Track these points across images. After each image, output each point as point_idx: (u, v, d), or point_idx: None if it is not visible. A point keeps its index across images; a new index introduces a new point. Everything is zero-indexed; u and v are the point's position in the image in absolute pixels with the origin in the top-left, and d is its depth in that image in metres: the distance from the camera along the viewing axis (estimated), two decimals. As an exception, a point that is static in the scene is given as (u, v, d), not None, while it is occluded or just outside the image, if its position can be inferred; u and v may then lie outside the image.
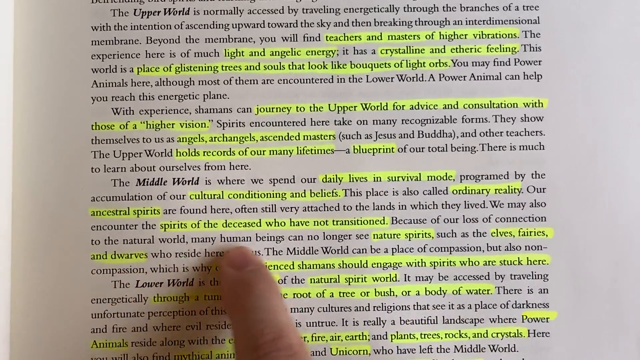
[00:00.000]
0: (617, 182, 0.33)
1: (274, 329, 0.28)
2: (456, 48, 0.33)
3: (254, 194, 0.33)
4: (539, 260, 0.33)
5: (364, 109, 0.33)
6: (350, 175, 0.33)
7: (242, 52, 0.33)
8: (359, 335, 0.32)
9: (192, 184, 0.32)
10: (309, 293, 0.32)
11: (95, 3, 0.33)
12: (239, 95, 0.33)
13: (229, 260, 0.31)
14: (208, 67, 0.33)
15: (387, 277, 0.33)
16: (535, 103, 0.33)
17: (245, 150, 0.33)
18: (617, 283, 0.32)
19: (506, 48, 0.33)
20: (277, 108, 0.33)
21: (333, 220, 0.33)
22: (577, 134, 0.33)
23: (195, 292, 0.32)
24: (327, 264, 0.32)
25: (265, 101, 0.33)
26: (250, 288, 0.29)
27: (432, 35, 0.33)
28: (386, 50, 0.33)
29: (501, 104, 0.33)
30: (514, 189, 0.33)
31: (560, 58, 0.33)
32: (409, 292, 0.32)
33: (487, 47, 0.33)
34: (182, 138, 0.33)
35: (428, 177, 0.33)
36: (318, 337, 0.32)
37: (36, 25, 0.33)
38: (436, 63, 0.33)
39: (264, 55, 0.33)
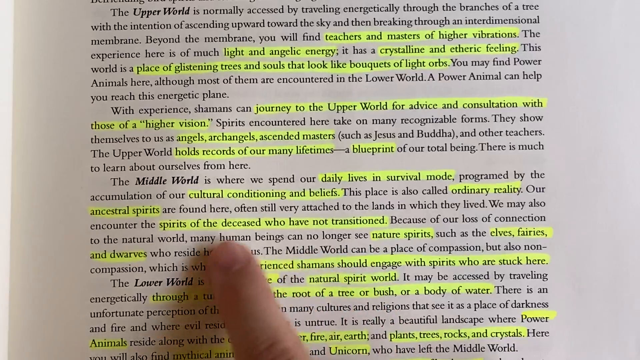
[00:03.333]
0: (616, 181, 0.33)
1: (268, 335, 0.28)
2: (456, 47, 0.33)
3: (254, 193, 0.33)
4: (538, 260, 0.33)
5: (363, 109, 0.33)
6: (349, 174, 0.33)
7: (242, 51, 0.33)
8: (358, 335, 0.32)
9: (191, 183, 0.32)
10: (308, 292, 0.32)
11: (95, 2, 0.33)
12: (239, 95, 0.33)
13: (215, 259, 0.31)
14: (208, 66, 0.33)
15: (386, 277, 0.33)
16: (535, 102, 0.33)
17: (245, 150, 0.33)
18: (617, 282, 0.32)
19: (506, 47, 0.33)
20: (276, 107, 0.33)
21: (332, 220, 0.33)
22: (577, 134, 0.33)
23: (194, 291, 0.32)
24: (326, 263, 0.32)
25: (265, 100, 0.33)
26: (238, 294, 0.29)
27: (432, 34, 0.33)
28: (386, 49, 0.33)
29: (501, 103, 0.33)
30: (514, 188, 0.33)
31: (559, 57, 0.33)
32: (408, 291, 0.32)
33: (487, 47, 0.33)
34: (182, 137, 0.33)
35: (427, 176, 0.33)
36: (317, 336, 0.32)
37: (36, 24, 0.33)
38: (436, 62, 0.33)
39: (263, 54, 0.33)
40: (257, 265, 0.31)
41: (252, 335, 0.28)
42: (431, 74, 0.33)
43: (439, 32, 0.33)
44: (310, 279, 0.32)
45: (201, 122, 0.33)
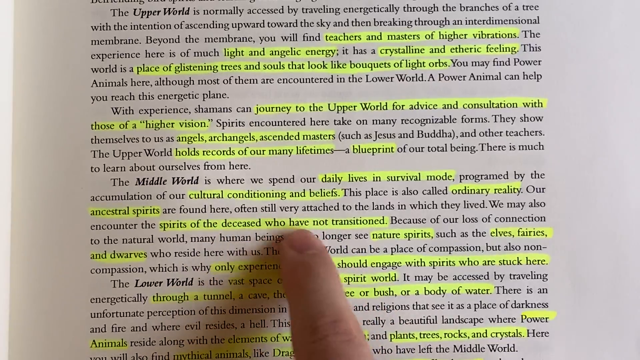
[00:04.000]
0: (616, 182, 0.33)
1: (333, 311, 0.27)
2: (456, 48, 0.33)
3: (254, 193, 0.33)
4: (538, 260, 0.33)
5: (363, 109, 0.33)
6: (349, 175, 0.33)
7: (242, 51, 0.33)
8: (359, 335, 0.32)
9: (191, 183, 0.32)
10: (309, 293, 0.32)
11: (95, 3, 0.33)
12: (239, 95, 0.33)
13: (290, 242, 0.31)
14: (208, 66, 0.33)
15: (386, 277, 0.33)
16: (535, 103, 0.33)
17: (245, 150, 0.33)
18: (617, 283, 0.32)
19: (506, 48, 0.33)
20: (276, 108, 0.33)
21: (332, 220, 0.33)
22: (577, 134, 0.33)
23: (195, 292, 0.32)
24: (326, 264, 0.32)
25: (265, 101, 0.33)
26: (310, 270, 0.29)
27: (432, 35, 0.33)
28: (386, 50, 0.33)
29: (501, 103, 0.33)
30: (514, 188, 0.33)
31: (560, 58, 0.33)
32: (408, 291, 0.32)
33: (487, 47, 0.33)
34: (182, 137, 0.33)
35: (427, 176, 0.33)
36: (317, 336, 0.32)
37: (36, 24, 0.33)
38: (436, 63, 0.33)
39: (263, 54, 0.33)
40: (330, 255, 0.31)
41: (318, 309, 0.28)
42: (431, 75, 0.33)
43: (439, 32, 0.33)
44: (310, 279, 0.32)
45: (201, 123, 0.33)
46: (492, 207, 0.33)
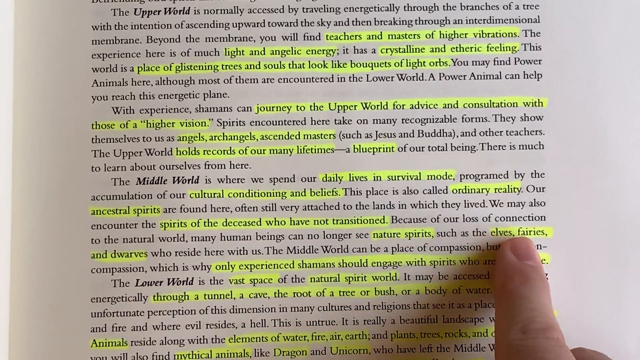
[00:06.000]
0: (616, 181, 0.33)
1: (545, 321, 0.28)
2: (456, 47, 0.33)
3: (254, 192, 0.33)
4: (539, 260, 0.33)
5: (364, 108, 0.33)
6: (350, 174, 0.33)
7: (243, 51, 0.33)
8: (359, 334, 0.32)
9: (192, 182, 0.32)
10: (309, 292, 0.32)
11: (95, 2, 0.33)
12: (239, 94, 0.33)
13: (512, 245, 0.32)
14: (208, 66, 0.33)
15: (387, 276, 0.33)
16: (535, 102, 0.33)
17: (246, 149, 0.33)
18: (617, 282, 0.32)
19: (506, 47, 0.33)
20: (277, 107, 0.33)
21: (333, 220, 0.33)
22: (577, 134, 0.33)
23: (195, 291, 0.32)
24: (327, 263, 0.32)
25: (266, 100, 0.33)
26: (527, 280, 0.30)
27: (432, 34, 0.33)
28: (386, 49, 0.33)
29: (501, 103, 0.33)
30: (514, 188, 0.33)
31: (560, 57, 0.33)
32: (409, 291, 0.32)
33: (487, 46, 0.33)
34: (182, 137, 0.33)
35: (428, 176, 0.33)
36: (318, 336, 0.32)
37: (37, 24, 0.33)
38: (436, 62, 0.33)
39: (264, 54, 0.33)
40: (544, 272, 0.32)
41: (532, 314, 0.29)
42: (432, 74, 0.33)
43: (440, 31, 0.33)
44: (311, 278, 0.32)
45: (202, 122, 0.33)
46: (493, 206, 0.33)
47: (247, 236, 0.32)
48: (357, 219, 0.33)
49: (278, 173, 0.33)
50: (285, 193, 0.33)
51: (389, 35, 0.33)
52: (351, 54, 0.33)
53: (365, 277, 0.32)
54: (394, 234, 0.33)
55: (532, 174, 0.33)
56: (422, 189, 0.33)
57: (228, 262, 0.32)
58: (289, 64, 0.33)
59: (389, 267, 0.33)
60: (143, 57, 0.33)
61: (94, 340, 0.32)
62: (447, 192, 0.33)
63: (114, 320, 0.32)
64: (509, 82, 0.33)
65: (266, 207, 0.33)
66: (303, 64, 0.33)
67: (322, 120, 0.33)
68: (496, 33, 0.33)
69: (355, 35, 0.33)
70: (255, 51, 0.33)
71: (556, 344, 0.27)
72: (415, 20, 0.33)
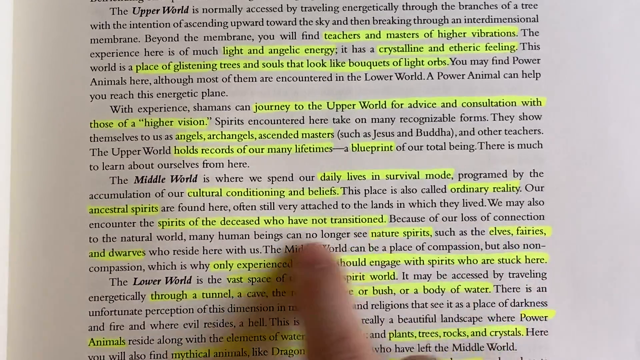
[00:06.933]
0: (615, 180, 0.33)
1: (340, 330, 0.28)
2: (455, 46, 0.33)
3: (253, 191, 0.33)
4: (537, 259, 0.33)
5: (362, 107, 0.33)
6: (348, 173, 0.33)
7: (241, 50, 0.33)
8: (357, 333, 0.32)
9: (190, 181, 0.32)
10: (307, 291, 0.32)
11: (94, 1, 0.33)
12: (238, 93, 0.33)
13: (300, 258, 0.32)
14: (207, 65, 0.33)
15: (385, 276, 0.32)
16: (534, 101, 0.33)
17: (244, 148, 0.33)
18: (616, 281, 0.32)
19: (505, 46, 0.33)
20: (275, 106, 0.33)
21: (331, 219, 0.33)
22: (576, 133, 0.33)
23: (193, 290, 0.32)
24: (325, 262, 0.32)
25: (264, 99, 0.33)
26: (318, 288, 0.30)
27: (431, 33, 0.33)
28: (385, 48, 0.33)
29: (500, 102, 0.33)
30: (513, 187, 0.33)
31: (559, 56, 0.33)
32: (407, 290, 0.32)
33: (486, 46, 0.33)
34: (181, 135, 0.33)
35: (426, 175, 0.33)
36: (316, 335, 0.32)
37: (35, 23, 0.33)
38: (435, 61, 0.33)
39: (262, 53, 0.33)
40: (340, 267, 0.31)
41: (326, 328, 0.29)
42: (430, 73, 0.33)
43: (438, 31, 0.33)
44: (309, 277, 0.32)
45: (200, 121, 0.33)
46: (491, 205, 0.33)
47: (245, 235, 0.32)
48: (356, 218, 0.33)
49: (276, 172, 0.33)
50: (283, 192, 0.33)
51: (387, 34, 0.33)
52: (350, 53, 0.33)
53: (363, 276, 0.32)
54: (392, 233, 0.33)
55: (530, 173, 0.33)
56: (421, 188, 0.33)
57: (226, 261, 0.32)
58: (288, 63, 0.33)
59: (387, 266, 0.33)
60: (142, 56, 0.33)
61: (92, 338, 0.32)
62: (445, 191, 0.33)
63: (111, 319, 0.32)
64: (508, 81, 0.33)
65: (264, 206, 0.33)
66: (301, 62, 0.33)
67: (321, 119, 0.33)
68: (495, 32, 0.33)
69: (354, 34, 0.33)
70: (253, 50, 0.33)
71: (349, 355, 0.27)
72: (414, 19, 0.33)
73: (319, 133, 0.33)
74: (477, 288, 0.32)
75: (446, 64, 0.33)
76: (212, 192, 0.32)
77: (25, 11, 0.33)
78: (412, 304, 0.32)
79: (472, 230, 0.33)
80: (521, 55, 0.33)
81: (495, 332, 0.32)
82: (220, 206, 0.32)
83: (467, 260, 0.33)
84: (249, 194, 0.33)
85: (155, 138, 0.32)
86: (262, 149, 0.33)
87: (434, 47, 0.33)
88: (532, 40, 0.33)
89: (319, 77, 0.33)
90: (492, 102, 0.33)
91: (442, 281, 0.33)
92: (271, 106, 0.33)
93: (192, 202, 0.32)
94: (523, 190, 0.33)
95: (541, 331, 0.32)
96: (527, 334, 0.32)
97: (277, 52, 0.33)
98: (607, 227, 0.33)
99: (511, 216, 0.33)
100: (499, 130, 0.33)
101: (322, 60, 0.33)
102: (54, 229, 0.32)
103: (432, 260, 0.33)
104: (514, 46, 0.33)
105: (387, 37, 0.33)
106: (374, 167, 0.33)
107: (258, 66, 0.33)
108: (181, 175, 0.32)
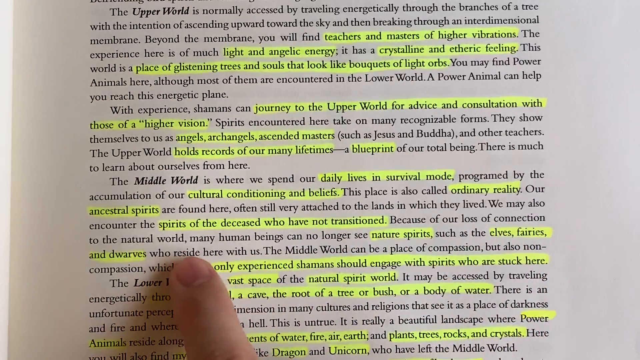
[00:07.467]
0: (616, 181, 0.33)
1: (225, 349, 0.27)
2: (455, 47, 0.33)
3: (253, 193, 0.33)
4: (537, 260, 0.33)
5: (363, 108, 0.33)
6: (349, 174, 0.33)
7: (241, 51, 0.33)
8: (358, 335, 0.32)
9: (191, 182, 0.32)
10: (308, 292, 0.32)
11: (94, 2, 0.33)
12: (238, 94, 0.33)
13: (177, 274, 0.31)
14: (207, 66, 0.33)
15: (385, 277, 0.32)
16: (535, 102, 0.33)
17: (244, 149, 0.33)
18: (616, 282, 0.32)
19: (505, 47, 0.33)
20: (276, 107, 0.33)
21: (332, 220, 0.33)
22: (576, 134, 0.33)
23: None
24: (326, 263, 0.32)
25: (265, 100, 0.33)
26: (198, 307, 0.29)
27: (431, 34, 0.33)
28: (385, 49, 0.33)
29: (500, 103, 0.33)
30: (513, 188, 0.33)
31: (559, 57, 0.33)
32: (407, 291, 0.32)
33: (486, 47, 0.33)
34: (181, 137, 0.33)
35: (427, 176, 0.33)
36: (317, 336, 0.32)
37: (35, 24, 0.33)
38: (435, 62, 0.33)
39: (263, 54, 0.33)
40: (220, 281, 0.31)
41: (211, 348, 0.28)
42: (431, 74, 0.33)
43: (439, 32, 0.33)
44: (309, 278, 0.32)
45: (200, 122, 0.33)
46: (492, 206, 0.33)
47: (245, 236, 0.32)
48: (356, 219, 0.33)
49: (277, 173, 0.33)
50: (284, 193, 0.33)
51: (388, 35, 0.33)
52: (350, 54, 0.33)
53: (364, 277, 0.32)
54: (392, 234, 0.33)
55: (531, 174, 0.33)
56: (421, 189, 0.33)
57: (227, 262, 0.32)
58: (288, 64, 0.33)
59: (387, 267, 0.33)
60: (142, 57, 0.33)
61: (93, 340, 0.32)
62: (446, 192, 0.33)
63: (112, 320, 0.32)
64: (508, 82, 0.33)
65: (265, 207, 0.33)
66: (302, 64, 0.33)
67: (321, 120, 0.33)
68: (495, 33, 0.33)
69: (354, 35, 0.33)
70: (254, 51, 0.33)
71: None
72: (414, 20, 0.33)
73: (320, 134, 0.33)
74: (478, 289, 0.33)
75: (447, 64, 0.33)
76: (213, 194, 0.32)
77: (25, 11, 0.33)
78: (413, 304, 0.32)
79: (472, 231, 0.33)
80: (522, 56, 0.33)
81: (496, 333, 0.32)
82: (221, 207, 0.32)
83: (468, 261, 0.33)
84: (249, 195, 0.33)
85: (156, 139, 0.32)
86: (262, 150, 0.33)
87: (435, 48, 0.33)
88: (533, 41, 0.33)
89: (320, 78, 0.33)
90: (492, 103, 0.33)
91: (443, 282, 0.33)
92: (272, 107, 0.33)
93: (192, 204, 0.32)
94: (523, 191, 0.33)
95: (541, 332, 0.32)
96: (528, 335, 0.32)
97: (278, 53, 0.33)
98: (608, 227, 0.33)
99: (512, 217, 0.33)
100: (500, 131, 0.33)
101: (323, 61, 0.33)
102: (54, 231, 0.32)
103: (433, 261, 0.33)
104: (514, 47, 0.33)
105: (388, 38, 0.33)
106: (375, 168, 0.33)
107: (258, 67, 0.33)
108: (182, 177, 0.32)
